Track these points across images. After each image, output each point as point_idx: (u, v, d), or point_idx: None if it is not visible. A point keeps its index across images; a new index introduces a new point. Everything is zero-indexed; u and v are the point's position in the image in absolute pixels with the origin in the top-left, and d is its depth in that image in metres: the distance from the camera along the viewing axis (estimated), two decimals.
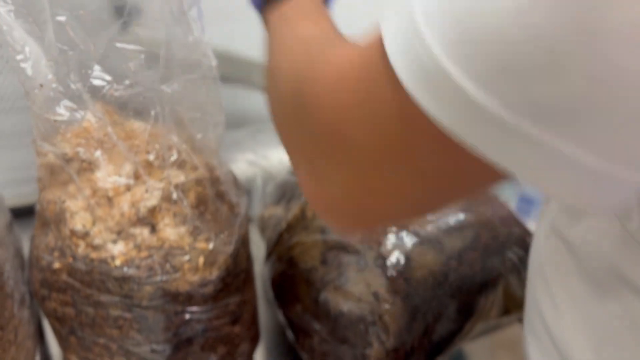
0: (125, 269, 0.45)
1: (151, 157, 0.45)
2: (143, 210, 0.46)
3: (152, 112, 0.44)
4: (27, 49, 0.40)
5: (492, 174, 0.24)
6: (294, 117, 0.32)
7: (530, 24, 0.19)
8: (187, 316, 0.48)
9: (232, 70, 0.65)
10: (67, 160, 0.46)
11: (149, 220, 0.47)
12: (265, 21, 0.44)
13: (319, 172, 0.30)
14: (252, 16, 0.51)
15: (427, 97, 0.23)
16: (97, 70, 0.40)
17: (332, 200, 0.30)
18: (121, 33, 0.45)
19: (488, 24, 0.20)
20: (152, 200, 0.46)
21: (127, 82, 0.41)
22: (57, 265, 0.47)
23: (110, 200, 0.46)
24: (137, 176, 0.46)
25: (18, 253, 0.55)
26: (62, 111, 0.41)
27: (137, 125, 0.46)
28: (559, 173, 0.22)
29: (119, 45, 0.40)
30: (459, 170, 0.26)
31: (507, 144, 0.22)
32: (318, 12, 0.40)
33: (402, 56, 0.24)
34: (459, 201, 0.52)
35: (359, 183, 0.28)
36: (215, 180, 0.50)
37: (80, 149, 0.44)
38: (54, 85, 0.40)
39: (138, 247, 0.46)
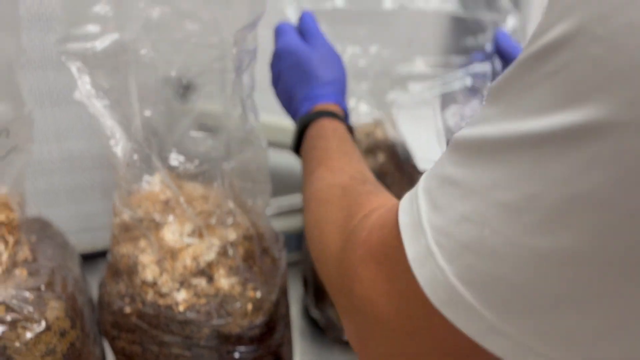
0: (187, 313, 0.54)
1: (213, 221, 0.54)
2: (202, 264, 0.55)
3: (215, 184, 0.53)
4: (117, 135, 0.50)
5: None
6: (339, 285, 0.38)
7: None
8: (237, 355, 0.56)
9: (277, 137, 0.76)
10: (141, 220, 0.55)
11: (207, 272, 0.55)
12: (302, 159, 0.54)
13: (361, 332, 0.35)
14: None
15: (439, 304, 0.27)
16: (174, 152, 0.50)
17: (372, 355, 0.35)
18: (181, 103, 0.55)
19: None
20: (211, 255, 0.55)
21: (196, 162, 0.51)
22: (128, 310, 0.56)
23: (175, 255, 0.55)
24: (199, 235, 0.55)
25: (89, 298, 0.64)
26: (144, 185, 0.50)
27: (201, 191, 0.55)
28: None
29: (192, 134, 0.49)
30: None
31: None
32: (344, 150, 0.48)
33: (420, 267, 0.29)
34: None
35: (389, 355, 0.33)
36: (261, 238, 0.59)
37: (155, 214, 0.53)
38: (138, 164, 0.50)
39: (198, 295, 0.55)
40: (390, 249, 0.32)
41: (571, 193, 0.22)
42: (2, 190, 0.54)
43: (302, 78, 0.57)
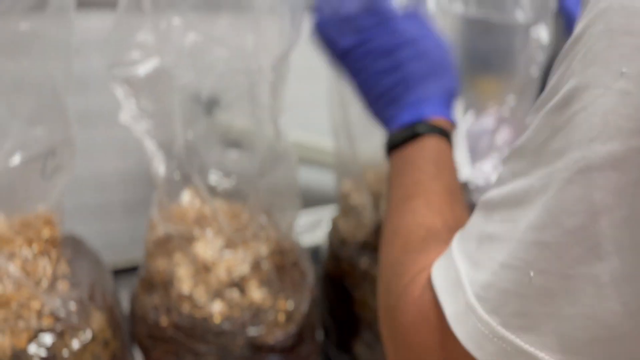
0: (222, 325, 0.57)
1: (246, 235, 0.57)
2: (236, 277, 0.58)
3: (249, 200, 0.56)
4: (159, 154, 0.53)
5: None
6: (389, 332, 0.38)
7: None
8: None
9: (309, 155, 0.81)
10: (178, 235, 0.58)
11: (240, 284, 0.58)
12: (391, 163, 0.50)
13: None
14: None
15: None
16: (213, 172, 0.53)
17: None
18: (207, 117, 0.57)
19: None
20: (244, 268, 0.58)
21: (234, 180, 0.54)
22: (164, 322, 0.58)
23: (209, 267, 0.58)
24: (233, 248, 0.58)
25: (122, 311, 0.66)
26: (184, 202, 0.53)
27: (233, 207, 0.58)
28: None
29: (229, 156, 0.53)
30: None
31: None
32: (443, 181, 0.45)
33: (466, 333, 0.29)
34: None
35: None
36: (290, 252, 0.62)
37: (192, 228, 0.56)
38: (179, 183, 0.53)
39: (232, 307, 0.57)
40: (440, 310, 0.32)
41: (619, 217, 0.23)
42: (45, 208, 0.57)
43: (431, 72, 0.50)
